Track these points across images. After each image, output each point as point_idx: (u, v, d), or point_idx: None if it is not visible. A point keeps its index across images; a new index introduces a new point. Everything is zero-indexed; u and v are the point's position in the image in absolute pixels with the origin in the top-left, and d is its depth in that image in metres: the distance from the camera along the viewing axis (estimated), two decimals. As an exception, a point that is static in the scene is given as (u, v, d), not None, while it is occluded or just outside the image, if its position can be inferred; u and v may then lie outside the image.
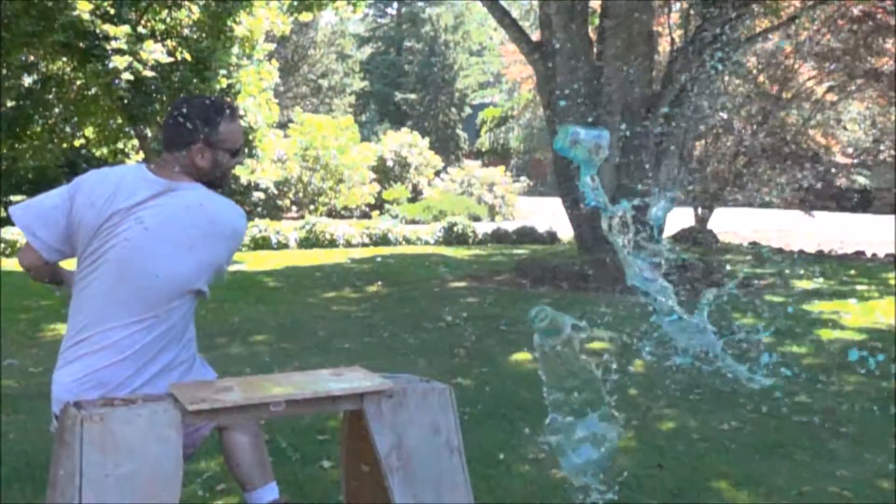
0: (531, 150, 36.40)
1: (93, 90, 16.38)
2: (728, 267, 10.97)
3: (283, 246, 15.03)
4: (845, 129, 21.00)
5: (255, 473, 2.73)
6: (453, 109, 43.61)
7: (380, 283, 10.18)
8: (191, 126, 2.48)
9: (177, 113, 2.51)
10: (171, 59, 16.78)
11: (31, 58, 15.94)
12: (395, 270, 11.56)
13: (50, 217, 2.46)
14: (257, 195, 22.28)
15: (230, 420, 2.59)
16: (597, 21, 11.04)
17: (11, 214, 2.48)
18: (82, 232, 2.43)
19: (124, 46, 15.51)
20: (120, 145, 20.39)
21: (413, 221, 20.73)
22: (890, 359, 6.09)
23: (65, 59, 16.15)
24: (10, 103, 16.48)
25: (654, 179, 10.30)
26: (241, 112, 19.22)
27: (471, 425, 4.35)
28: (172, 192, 2.43)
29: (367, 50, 47.76)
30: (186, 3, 17.92)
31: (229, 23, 18.34)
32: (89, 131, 19.13)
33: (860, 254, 14.72)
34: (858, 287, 9.97)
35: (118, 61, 15.22)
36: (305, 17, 15.80)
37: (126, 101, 16.63)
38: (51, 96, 17.01)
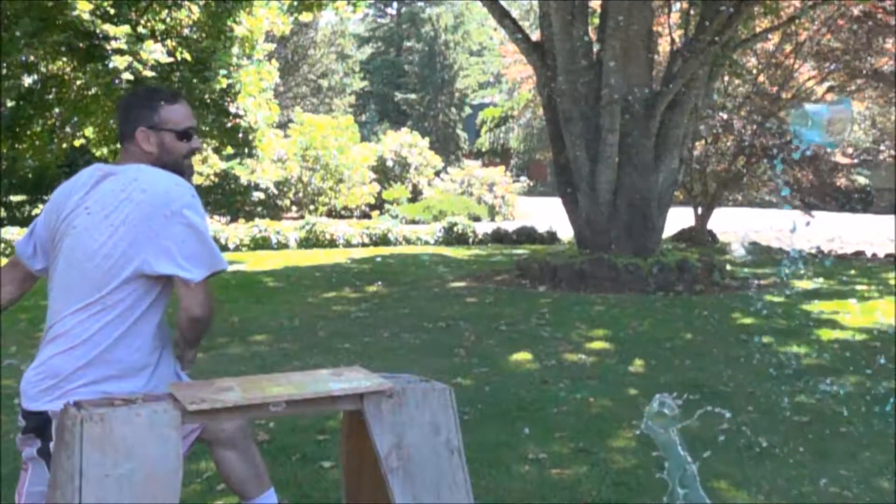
0: (531, 150, 36.41)
1: (93, 90, 16.37)
2: (728, 267, 10.97)
3: (283, 246, 15.03)
4: (845, 129, 20.97)
5: (249, 485, 2.73)
6: (453, 109, 43.61)
7: (380, 283, 10.18)
8: (133, 114, 2.53)
9: (122, 105, 2.61)
10: (171, 59, 16.78)
11: (31, 58, 15.93)
12: (395, 270, 11.57)
13: (31, 229, 2.62)
14: (257, 195, 22.28)
15: (229, 421, 2.59)
16: (597, 21, 11.03)
17: None
18: (51, 237, 2.52)
19: (124, 46, 15.51)
20: (120, 145, 20.38)
21: (413, 221, 20.73)
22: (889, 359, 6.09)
23: (65, 59, 16.16)
24: (10, 103, 16.48)
25: (654, 179, 10.30)
26: (242, 112, 19.25)
27: (471, 425, 4.36)
28: (113, 175, 2.44)
29: (367, 50, 47.77)
30: (186, 3, 17.93)
31: (229, 23, 18.34)
32: (89, 131, 19.12)
33: (860, 254, 14.72)
34: (858, 287, 9.97)
35: (118, 61, 15.22)
36: (305, 17, 15.81)
37: (126, 102, 16.61)
38: (51, 96, 17.01)
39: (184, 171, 2.57)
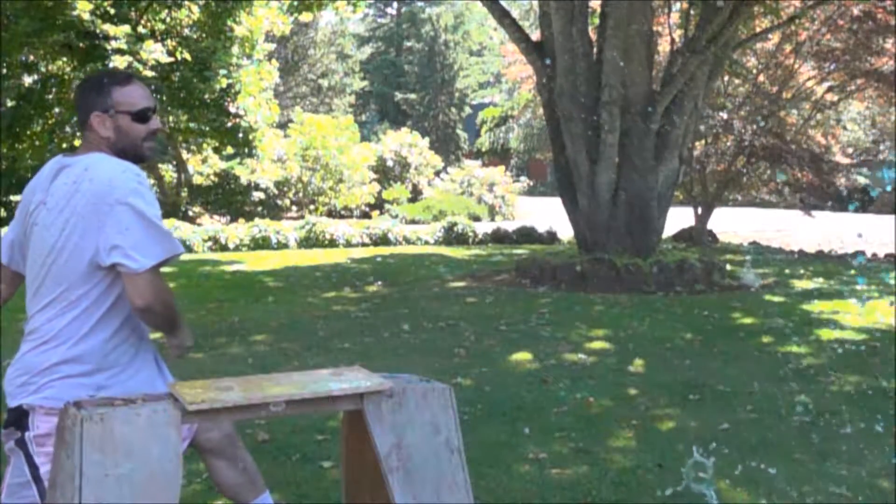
0: (531, 150, 36.39)
1: (93, 90, 16.36)
2: (728, 267, 10.96)
3: (283, 246, 15.03)
4: (845, 129, 21.01)
5: (242, 491, 2.72)
6: (453, 109, 43.61)
7: (380, 283, 10.18)
8: (87, 100, 2.49)
9: (77, 93, 2.57)
10: (171, 59, 16.78)
11: (31, 58, 15.95)
12: (394, 270, 11.57)
13: (9, 229, 2.62)
14: (257, 195, 22.28)
15: (215, 430, 2.59)
16: (597, 21, 11.03)
17: None
18: (23, 234, 2.52)
19: (124, 46, 15.52)
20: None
21: (413, 221, 20.72)
22: (889, 358, 6.09)
23: (65, 59, 16.17)
24: (10, 103, 16.48)
25: (654, 179, 10.30)
26: (242, 112, 19.26)
27: (471, 425, 4.36)
28: (68, 167, 2.43)
29: (367, 50, 47.76)
30: (186, 3, 17.93)
31: (229, 23, 18.34)
32: (89, 131, 19.09)
33: (860, 254, 14.72)
34: (858, 287, 9.97)
35: (118, 61, 15.22)
36: (305, 17, 15.81)
37: (126, 101, 16.62)
38: (51, 96, 17.01)
39: (144, 154, 2.53)
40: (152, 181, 21.91)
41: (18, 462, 2.37)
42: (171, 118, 19.23)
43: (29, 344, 2.41)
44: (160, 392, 2.47)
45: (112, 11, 15.90)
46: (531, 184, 32.81)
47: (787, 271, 11.47)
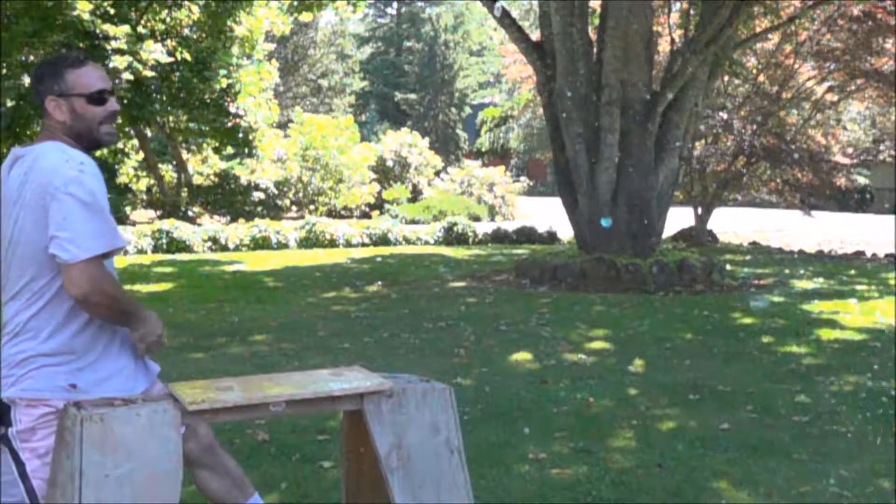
0: (531, 150, 36.41)
1: (93, 90, 16.36)
2: (728, 267, 10.96)
3: (283, 246, 15.03)
4: (845, 129, 21.00)
5: (229, 496, 2.71)
6: (453, 109, 43.64)
7: (380, 283, 10.18)
8: (41, 85, 2.46)
9: (32, 79, 2.53)
10: (171, 59, 16.79)
11: (31, 58, 15.94)
12: (395, 270, 11.57)
13: None
14: (257, 195, 22.28)
15: (193, 441, 2.58)
16: (597, 21, 11.03)
17: None
18: None
19: (124, 46, 15.52)
20: (120, 145, 20.42)
21: (413, 221, 20.73)
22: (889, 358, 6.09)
23: (65, 59, 16.15)
24: (10, 103, 16.48)
25: (654, 179, 10.30)
26: (242, 112, 19.26)
27: (471, 425, 4.36)
28: (21, 157, 2.41)
29: (367, 50, 47.80)
30: (186, 3, 17.93)
31: (229, 23, 18.34)
32: (89, 131, 19.08)
33: (860, 254, 14.73)
34: (858, 287, 9.97)
35: (118, 61, 15.22)
36: (305, 17, 15.82)
37: (126, 101, 16.63)
38: (51, 96, 17.03)
39: (101, 139, 2.49)
40: (152, 181, 21.93)
41: (6, 458, 2.36)
42: (171, 118, 19.24)
43: (4, 338, 2.40)
44: (142, 382, 2.48)
45: (112, 11, 15.90)
46: (531, 184, 32.81)
47: (787, 271, 11.48)
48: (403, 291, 9.52)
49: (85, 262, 2.26)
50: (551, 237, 16.54)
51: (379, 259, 13.08)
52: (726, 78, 15.63)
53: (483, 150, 39.21)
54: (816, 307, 8.38)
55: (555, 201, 12.87)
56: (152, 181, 21.95)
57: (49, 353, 2.35)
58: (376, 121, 42.48)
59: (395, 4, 47.72)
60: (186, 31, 18.08)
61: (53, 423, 2.30)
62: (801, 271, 11.48)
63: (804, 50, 15.96)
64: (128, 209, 21.35)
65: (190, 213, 20.40)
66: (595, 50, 10.34)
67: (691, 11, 11.70)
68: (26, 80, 16.86)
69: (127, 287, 9.89)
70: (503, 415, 4.73)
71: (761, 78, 16.51)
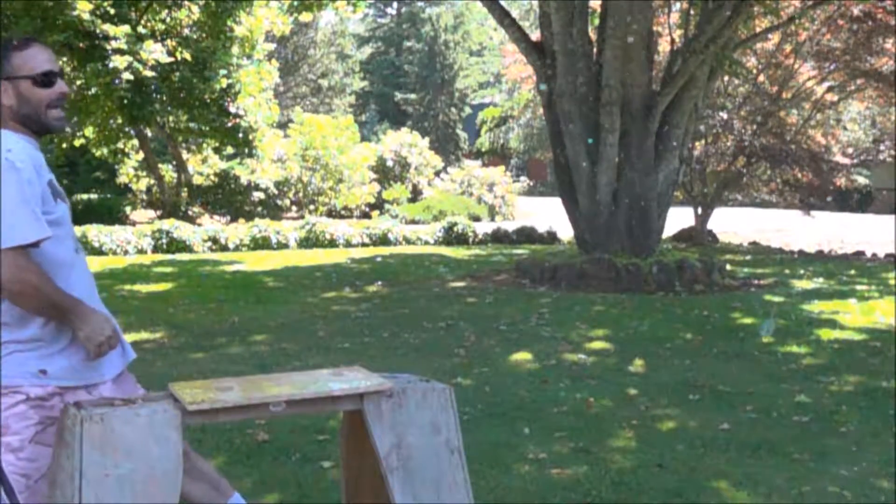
0: (531, 150, 36.39)
1: (93, 90, 16.37)
2: (728, 267, 10.96)
3: (283, 246, 15.03)
4: (845, 129, 21.01)
5: (208, 499, 2.69)
6: (453, 109, 43.61)
7: (380, 283, 10.18)
8: None
9: None
10: (171, 59, 16.78)
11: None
12: (395, 270, 11.57)
13: None
14: (257, 195, 22.29)
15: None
16: (597, 21, 11.03)
17: None
18: None
19: (124, 46, 15.51)
20: (120, 145, 20.43)
21: (413, 221, 20.73)
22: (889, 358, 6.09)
23: (65, 59, 16.16)
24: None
25: (654, 179, 10.29)
26: (242, 112, 19.25)
27: (471, 425, 4.36)
28: None
29: (367, 50, 47.77)
30: (186, 3, 17.93)
31: (229, 23, 18.34)
32: (89, 131, 19.10)
33: (860, 254, 14.73)
34: (858, 287, 9.97)
35: (118, 61, 15.22)
36: (305, 17, 15.82)
37: (126, 101, 16.64)
38: (50, 96, 17.05)
39: (50, 123, 2.47)
40: (152, 181, 21.92)
41: None
42: (171, 118, 19.24)
43: None
44: (126, 371, 2.48)
45: (112, 11, 15.90)
46: (531, 184, 32.82)
47: (787, 271, 11.48)
48: (403, 291, 9.51)
49: (6, 251, 2.22)
50: (551, 237, 16.55)
51: (379, 259, 13.08)
52: (726, 78, 15.62)
53: (483, 150, 39.18)
54: (816, 307, 8.38)
55: (555, 201, 12.87)
56: (152, 181, 21.95)
57: (22, 340, 2.33)
58: (376, 121, 42.47)
59: (395, 4, 47.70)
60: (186, 31, 18.07)
61: (27, 416, 2.28)
62: (802, 271, 11.48)
63: (804, 50, 15.96)
64: (128, 209, 21.35)
65: (190, 213, 20.41)
66: (595, 50, 10.34)
67: (691, 11, 11.70)
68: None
69: (127, 287, 9.90)
70: (503, 415, 4.73)
71: (761, 78, 16.51)
